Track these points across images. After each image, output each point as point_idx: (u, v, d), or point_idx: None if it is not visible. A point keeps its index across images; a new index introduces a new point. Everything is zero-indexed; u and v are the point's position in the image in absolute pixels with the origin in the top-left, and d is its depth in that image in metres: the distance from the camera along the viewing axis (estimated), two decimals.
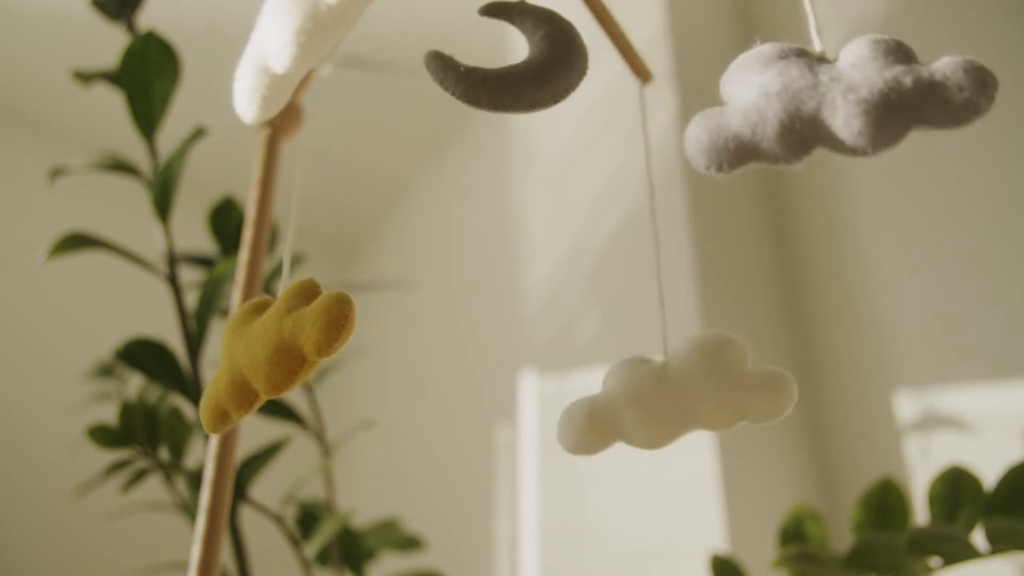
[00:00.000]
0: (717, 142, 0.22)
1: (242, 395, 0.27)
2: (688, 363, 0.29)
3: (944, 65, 0.21)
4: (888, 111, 0.20)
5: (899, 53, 0.21)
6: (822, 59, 0.23)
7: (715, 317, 0.75)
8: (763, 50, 0.24)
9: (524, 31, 0.29)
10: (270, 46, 0.27)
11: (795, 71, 0.22)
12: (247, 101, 0.30)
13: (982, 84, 0.21)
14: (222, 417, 0.27)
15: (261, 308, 0.29)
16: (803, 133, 0.21)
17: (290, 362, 0.26)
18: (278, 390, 0.26)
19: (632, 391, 0.28)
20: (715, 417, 0.28)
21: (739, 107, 0.22)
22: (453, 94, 0.26)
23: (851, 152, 0.21)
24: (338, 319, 0.25)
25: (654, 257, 0.81)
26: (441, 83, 0.26)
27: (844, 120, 0.20)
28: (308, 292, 0.27)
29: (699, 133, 0.22)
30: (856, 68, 0.21)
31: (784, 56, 0.23)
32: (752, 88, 0.22)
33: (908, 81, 0.20)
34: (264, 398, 0.27)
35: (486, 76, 0.26)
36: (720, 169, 0.22)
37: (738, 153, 0.22)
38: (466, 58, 0.26)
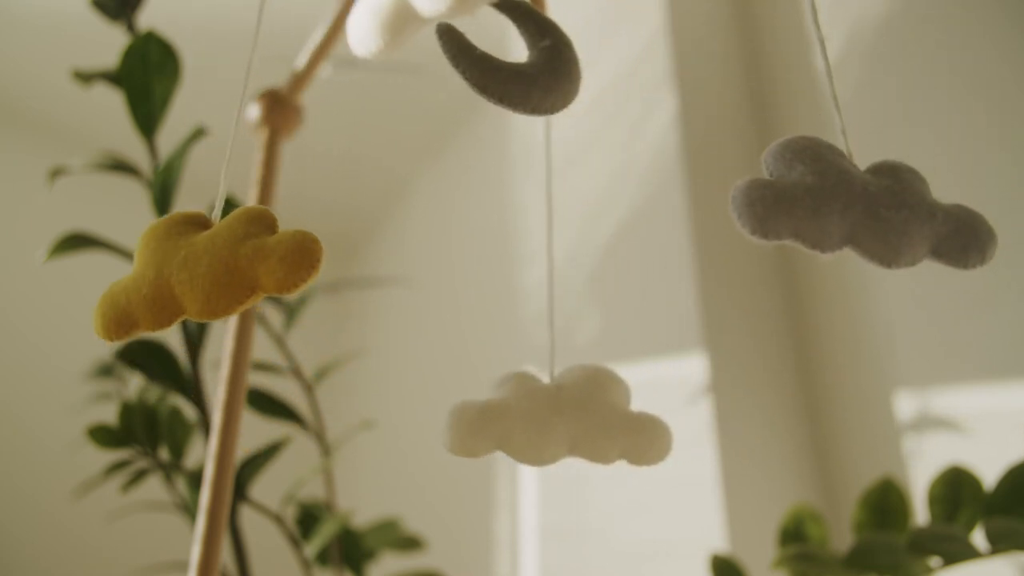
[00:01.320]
0: (773, 211, 0.22)
1: (165, 310, 0.24)
2: (580, 391, 0.30)
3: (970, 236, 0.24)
4: (924, 254, 0.23)
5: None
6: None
7: (715, 317, 0.75)
8: (813, 143, 0.24)
9: (526, 33, 0.29)
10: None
11: (857, 176, 0.23)
12: (373, 35, 0.28)
13: (984, 257, 0.24)
14: (128, 326, 0.25)
15: (196, 222, 0.27)
16: (852, 233, 0.23)
17: (239, 290, 0.24)
18: (213, 315, 0.24)
19: (526, 406, 0.29)
20: (598, 449, 0.28)
21: (801, 184, 0.23)
22: (464, 75, 0.26)
23: (874, 259, 0.23)
24: (309, 258, 0.24)
25: (653, 257, 0.81)
26: (454, 61, 0.26)
27: (888, 243, 0.23)
28: (266, 221, 0.26)
29: (756, 198, 0.23)
30: (905, 198, 0.23)
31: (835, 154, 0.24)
32: (812, 175, 0.23)
33: (944, 233, 0.23)
34: (191, 318, 0.25)
35: (499, 67, 0.26)
36: (765, 236, 0.22)
37: (789, 229, 0.23)
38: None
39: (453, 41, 0.26)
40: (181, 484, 0.63)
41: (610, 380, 0.31)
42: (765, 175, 0.24)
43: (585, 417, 0.29)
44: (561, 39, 0.29)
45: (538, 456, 0.28)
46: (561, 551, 0.80)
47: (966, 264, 0.23)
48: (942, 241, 0.23)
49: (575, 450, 0.28)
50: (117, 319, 0.25)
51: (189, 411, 0.87)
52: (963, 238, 0.23)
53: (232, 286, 0.24)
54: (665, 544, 0.70)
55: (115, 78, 0.58)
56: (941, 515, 0.43)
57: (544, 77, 0.27)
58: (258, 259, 0.24)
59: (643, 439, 0.29)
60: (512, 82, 0.26)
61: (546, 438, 0.28)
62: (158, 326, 0.24)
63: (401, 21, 0.27)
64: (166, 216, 0.27)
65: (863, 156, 0.25)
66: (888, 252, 0.22)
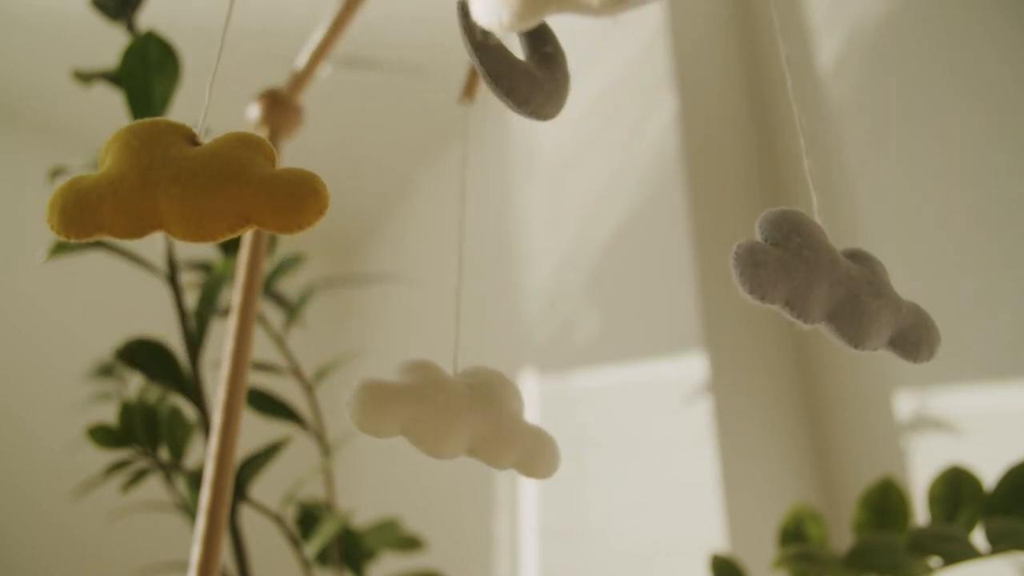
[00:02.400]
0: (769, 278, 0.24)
1: (141, 221, 0.22)
2: (489, 394, 0.29)
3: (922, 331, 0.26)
4: (884, 342, 0.26)
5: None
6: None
7: (715, 317, 0.75)
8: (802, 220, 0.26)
9: (527, 36, 0.29)
10: None
11: (842, 259, 0.25)
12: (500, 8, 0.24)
13: (932, 353, 0.26)
14: (91, 227, 0.22)
15: (184, 134, 0.24)
16: (834, 311, 0.25)
17: (234, 218, 0.22)
18: (197, 237, 0.22)
19: (439, 397, 0.28)
20: (497, 454, 0.28)
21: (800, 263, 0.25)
22: (480, 61, 0.26)
23: (844, 338, 0.25)
24: (317, 201, 0.22)
25: (653, 257, 0.81)
26: (472, 46, 0.25)
27: (861, 327, 0.25)
28: (264, 150, 0.24)
29: (760, 260, 0.24)
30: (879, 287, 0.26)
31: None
32: (809, 250, 0.25)
33: (905, 326, 0.26)
34: (168, 234, 0.22)
35: (514, 62, 0.26)
36: (762, 299, 0.23)
37: (783, 296, 0.24)
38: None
39: (473, 26, 0.26)
40: (181, 484, 0.63)
41: (513, 388, 0.31)
42: (759, 238, 0.25)
43: (492, 420, 0.28)
44: (559, 49, 0.29)
45: (439, 448, 0.27)
46: (561, 551, 0.80)
47: (916, 358, 0.26)
48: (901, 333, 0.26)
49: (474, 451, 0.28)
50: (81, 217, 0.22)
51: (189, 411, 0.87)
52: (918, 333, 0.26)
53: (228, 212, 0.22)
54: (665, 544, 0.70)
55: (115, 78, 0.58)
56: (941, 515, 0.43)
57: (548, 83, 0.27)
58: (263, 190, 0.22)
59: (538, 451, 0.28)
60: (522, 79, 0.26)
61: (452, 432, 0.27)
62: (126, 234, 0.22)
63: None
64: (149, 119, 0.24)
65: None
66: (859, 335, 0.24)
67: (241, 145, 0.23)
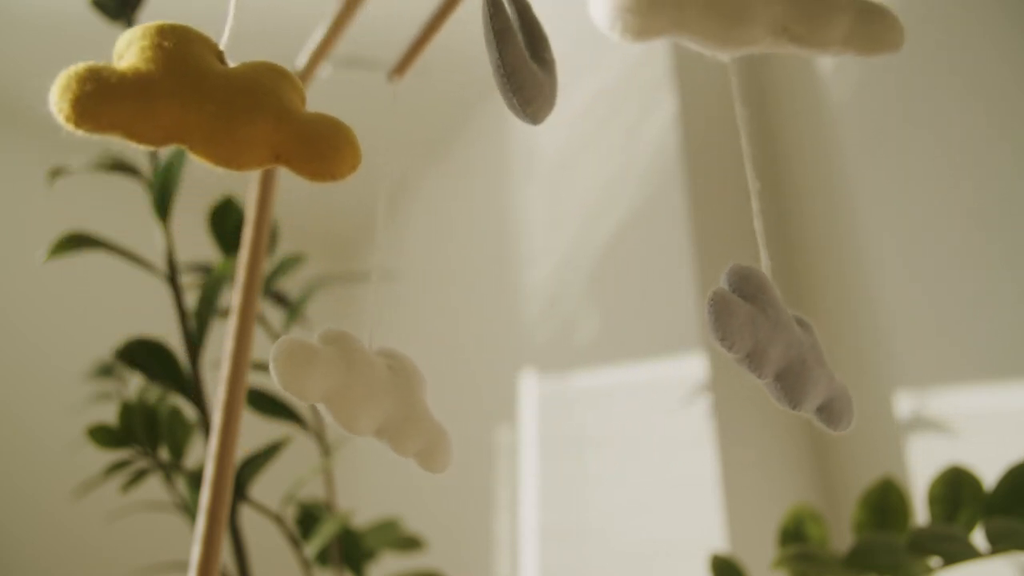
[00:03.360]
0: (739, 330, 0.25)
1: (161, 129, 0.20)
2: (407, 379, 0.29)
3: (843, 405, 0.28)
4: (813, 408, 0.27)
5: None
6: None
7: None
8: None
9: (528, 40, 0.29)
10: None
11: (795, 325, 0.27)
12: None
13: (850, 425, 0.28)
14: (104, 122, 0.19)
15: (212, 49, 0.23)
16: (784, 370, 0.26)
17: (265, 151, 0.21)
18: (222, 159, 0.21)
19: (365, 372, 0.27)
20: (403, 440, 0.28)
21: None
22: (500, 53, 0.26)
23: (783, 398, 0.26)
24: (352, 157, 0.21)
25: (654, 257, 0.81)
26: (496, 37, 0.25)
27: (804, 390, 0.26)
28: (296, 87, 0.22)
29: (734, 311, 0.25)
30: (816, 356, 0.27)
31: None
32: (773, 309, 0.27)
33: (832, 396, 0.27)
34: (189, 148, 0.21)
35: (527, 61, 0.26)
36: (730, 348, 0.25)
37: (748, 347, 0.26)
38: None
39: (501, 18, 0.26)
40: (181, 484, 0.63)
41: (423, 378, 0.31)
42: (726, 287, 0.26)
43: (405, 406, 0.28)
44: (553, 56, 0.29)
45: (354, 423, 0.26)
46: (561, 551, 0.80)
47: (837, 428, 0.27)
48: (829, 402, 0.27)
49: (382, 432, 0.27)
50: (97, 109, 0.19)
51: (189, 411, 0.87)
52: (843, 404, 0.27)
53: (261, 144, 0.21)
54: (665, 544, 0.70)
55: None
56: (941, 515, 0.43)
57: (547, 87, 0.27)
58: (301, 131, 0.21)
59: (439, 445, 0.28)
60: (531, 79, 0.26)
61: (370, 410, 0.26)
62: (141, 139, 0.20)
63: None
64: (180, 24, 0.22)
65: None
66: (800, 397, 0.26)
67: (278, 77, 0.22)
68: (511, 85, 0.26)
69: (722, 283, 0.27)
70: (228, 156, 0.21)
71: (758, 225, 0.30)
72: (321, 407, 0.26)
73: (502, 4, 0.26)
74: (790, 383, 0.26)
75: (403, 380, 0.28)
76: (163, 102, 0.20)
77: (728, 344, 0.24)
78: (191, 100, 0.20)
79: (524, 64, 0.26)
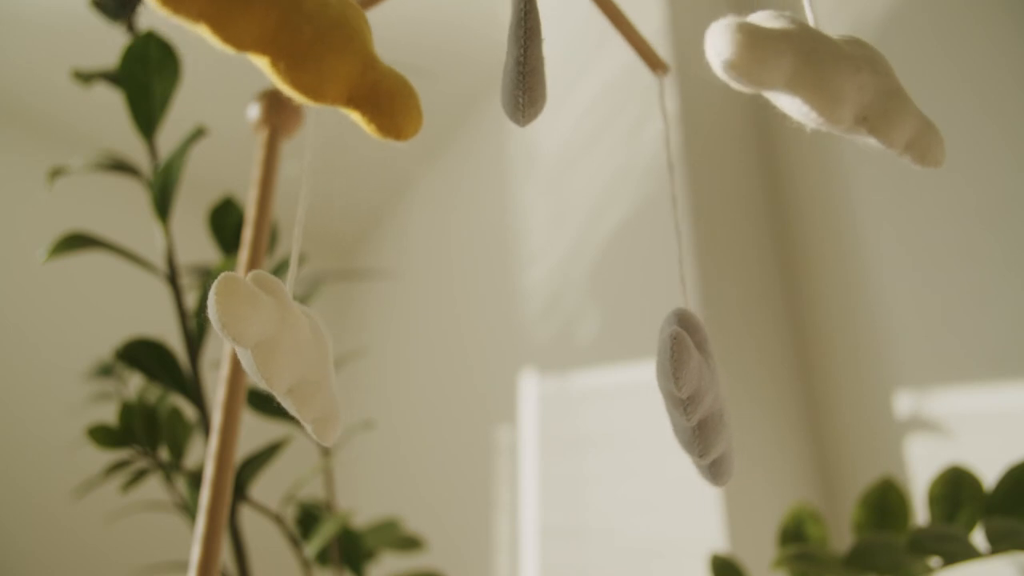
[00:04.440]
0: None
1: (252, 35, 0.19)
2: (319, 339, 0.28)
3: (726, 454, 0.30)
4: (708, 462, 0.29)
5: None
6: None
7: (715, 316, 0.75)
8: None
9: (527, 43, 0.29)
10: None
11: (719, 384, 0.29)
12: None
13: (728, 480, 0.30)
14: (195, 8, 0.19)
15: None
16: (703, 421, 0.28)
17: (343, 93, 0.21)
18: (299, 87, 0.20)
19: (288, 324, 0.26)
20: (306, 400, 0.26)
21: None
22: (524, 50, 0.26)
23: (695, 447, 0.28)
24: (419, 119, 0.21)
25: (654, 257, 0.81)
26: (526, 35, 0.26)
27: (716, 443, 0.28)
28: (371, 32, 0.22)
29: (689, 356, 0.27)
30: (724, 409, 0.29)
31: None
32: (710, 371, 0.29)
33: (725, 453, 0.29)
34: (270, 66, 0.20)
35: (543, 63, 0.27)
36: (677, 388, 0.27)
37: (692, 387, 0.28)
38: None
39: (534, 17, 0.26)
40: (181, 484, 0.63)
41: (331, 344, 0.30)
42: (677, 327, 0.28)
43: (319, 370, 0.27)
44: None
45: (274, 378, 0.25)
46: (561, 551, 0.80)
47: (717, 483, 0.29)
48: (721, 457, 0.29)
49: (291, 392, 0.26)
50: None
51: (189, 411, 0.87)
52: (729, 462, 0.29)
53: (345, 83, 0.20)
54: (665, 544, 0.70)
55: (115, 78, 0.58)
56: (941, 515, 0.43)
57: (545, 93, 0.28)
58: (382, 83, 0.21)
59: (333, 416, 0.27)
60: (542, 82, 0.27)
61: (292, 366, 0.25)
62: (226, 39, 0.19)
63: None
64: None
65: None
66: (711, 447, 0.28)
67: (363, 21, 0.22)
68: (524, 83, 0.26)
69: (674, 324, 0.29)
70: (310, 85, 0.20)
71: (680, 264, 0.32)
72: (243, 355, 0.24)
73: (536, 3, 0.26)
74: (707, 432, 0.28)
75: (321, 343, 0.27)
76: (261, 7, 0.19)
77: (680, 384, 0.26)
78: (290, 17, 0.20)
79: (542, 66, 0.26)
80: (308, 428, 0.26)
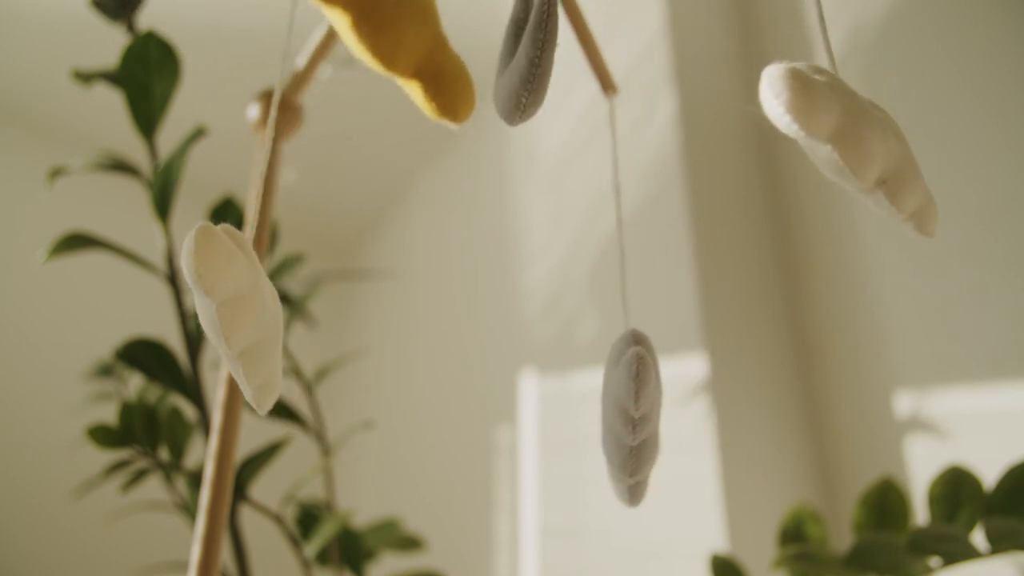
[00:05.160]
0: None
1: None
2: (277, 304, 0.28)
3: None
4: (626, 489, 0.31)
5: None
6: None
7: (715, 317, 0.75)
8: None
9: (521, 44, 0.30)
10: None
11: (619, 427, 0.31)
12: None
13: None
14: None
15: None
16: (637, 453, 0.30)
17: (413, 67, 0.21)
18: (376, 52, 0.20)
19: (256, 287, 0.25)
20: (253, 364, 0.26)
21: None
22: (541, 49, 0.26)
23: (624, 474, 0.31)
24: (473, 102, 0.22)
25: (654, 257, 0.81)
26: (546, 37, 0.26)
27: (641, 472, 0.31)
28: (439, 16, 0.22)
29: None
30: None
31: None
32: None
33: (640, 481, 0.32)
34: (348, 25, 0.20)
35: (551, 71, 0.27)
36: (636, 409, 0.29)
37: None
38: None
39: (555, 22, 0.26)
40: (181, 484, 0.63)
41: None
42: (634, 349, 0.30)
43: (269, 337, 0.26)
44: None
45: (231, 335, 0.24)
46: (561, 551, 0.80)
47: (630, 503, 0.31)
48: (639, 482, 0.31)
49: (240, 357, 0.25)
50: None
51: (189, 411, 0.87)
52: (644, 487, 0.31)
53: (415, 57, 0.21)
54: (665, 544, 0.70)
55: (115, 78, 0.58)
56: (941, 515, 0.43)
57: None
58: (448, 67, 0.21)
59: (270, 387, 0.26)
60: (546, 85, 0.27)
61: (245, 328, 0.25)
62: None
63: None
64: None
65: None
66: (640, 468, 0.29)
67: (436, 7, 0.23)
68: (532, 84, 0.26)
69: (635, 344, 0.30)
70: (386, 51, 0.21)
71: (622, 284, 0.34)
72: (205, 309, 0.24)
73: (556, 7, 0.26)
74: (643, 454, 0.29)
75: (278, 311, 0.26)
76: None
77: (638, 404, 0.27)
78: None
79: (551, 71, 0.26)
80: (248, 393, 0.25)
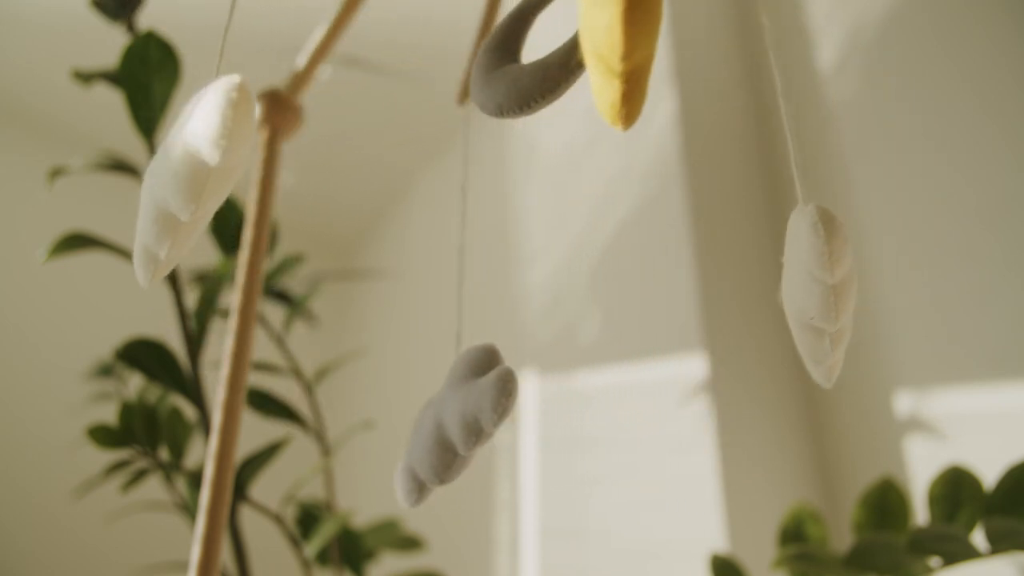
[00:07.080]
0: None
1: None
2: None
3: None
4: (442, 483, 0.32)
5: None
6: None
7: (715, 317, 0.75)
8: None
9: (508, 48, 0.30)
10: None
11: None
12: None
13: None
14: None
15: None
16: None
17: (641, 55, 0.21)
18: (628, 22, 0.20)
19: (240, 165, 0.26)
20: (185, 237, 0.25)
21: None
22: (561, 62, 0.26)
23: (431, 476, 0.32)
24: (635, 114, 0.23)
25: (654, 257, 0.81)
26: (568, 52, 0.25)
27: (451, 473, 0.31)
28: None
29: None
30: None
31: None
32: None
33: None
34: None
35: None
36: (496, 424, 0.29)
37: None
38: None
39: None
40: (181, 484, 0.63)
41: None
42: (505, 367, 0.31)
43: (207, 217, 0.25)
44: None
45: (202, 202, 0.23)
46: (561, 551, 0.80)
47: (408, 503, 0.33)
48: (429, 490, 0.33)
49: (184, 222, 0.24)
50: None
51: (189, 411, 0.87)
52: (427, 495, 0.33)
53: (644, 56, 0.21)
54: (665, 544, 0.70)
55: (115, 78, 0.58)
56: (941, 515, 0.43)
57: None
58: (646, 81, 0.22)
59: (173, 263, 0.26)
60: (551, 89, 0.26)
61: (211, 202, 0.24)
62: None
63: None
64: None
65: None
66: (452, 477, 0.31)
67: None
68: (550, 86, 0.25)
69: (500, 358, 0.32)
70: (637, 37, 0.20)
71: (458, 313, 0.34)
72: (188, 163, 0.23)
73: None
74: (461, 467, 0.30)
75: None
76: None
77: (499, 421, 0.28)
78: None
79: (564, 70, 0.26)
80: (161, 255, 0.24)
